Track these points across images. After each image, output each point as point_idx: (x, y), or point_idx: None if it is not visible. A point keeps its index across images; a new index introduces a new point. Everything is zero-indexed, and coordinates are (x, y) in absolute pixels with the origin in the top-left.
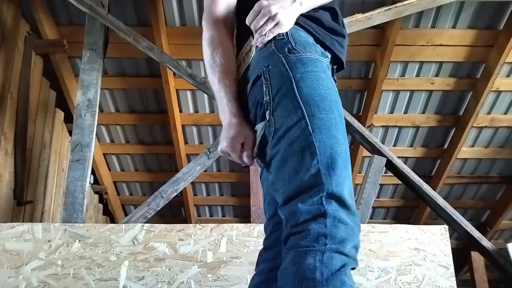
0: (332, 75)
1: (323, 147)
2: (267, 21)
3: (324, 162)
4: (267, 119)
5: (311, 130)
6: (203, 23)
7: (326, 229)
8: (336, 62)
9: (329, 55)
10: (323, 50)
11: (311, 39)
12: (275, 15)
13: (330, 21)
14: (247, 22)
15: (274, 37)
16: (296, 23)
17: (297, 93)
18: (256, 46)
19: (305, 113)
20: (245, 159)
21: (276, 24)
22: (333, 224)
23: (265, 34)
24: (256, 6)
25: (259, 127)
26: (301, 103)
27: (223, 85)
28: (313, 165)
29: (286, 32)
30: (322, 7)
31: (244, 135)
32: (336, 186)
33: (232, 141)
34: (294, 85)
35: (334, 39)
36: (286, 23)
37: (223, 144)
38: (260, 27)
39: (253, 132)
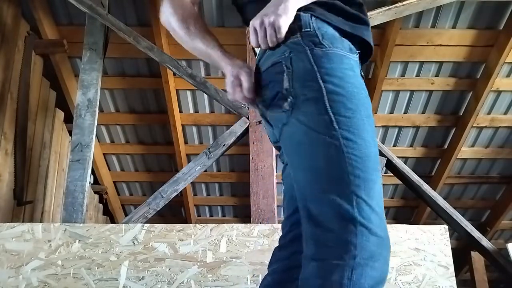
0: (360, 70)
1: (351, 146)
2: (274, 32)
3: (352, 162)
4: (288, 106)
5: (336, 127)
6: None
7: (356, 239)
8: (363, 49)
9: (357, 52)
10: (351, 45)
11: (337, 34)
12: (273, 23)
13: (345, 7)
14: (253, 45)
15: (300, 28)
16: (318, 17)
17: (323, 88)
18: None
19: (329, 110)
20: (246, 93)
21: (278, 30)
22: (364, 234)
23: (277, 40)
24: (250, 28)
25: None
26: (325, 99)
27: (207, 43)
28: (338, 162)
29: (313, 26)
30: None
31: (246, 69)
32: (365, 189)
33: (236, 79)
34: (320, 80)
35: (356, 27)
36: (284, 25)
37: (229, 87)
38: (269, 42)
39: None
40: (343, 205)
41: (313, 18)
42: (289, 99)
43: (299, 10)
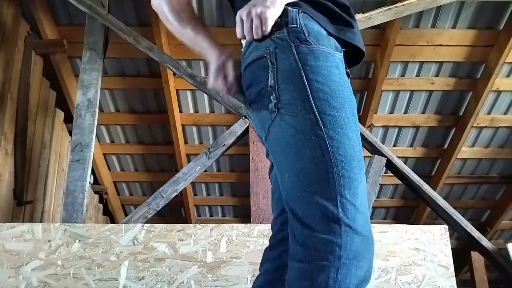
0: (346, 68)
1: (336, 146)
2: (260, 23)
3: (337, 162)
4: (272, 102)
5: (322, 126)
6: None
7: (341, 239)
8: (351, 52)
9: (342, 50)
10: (336, 43)
11: (324, 31)
12: (260, 14)
13: (333, 7)
14: (238, 36)
15: (287, 23)
16: (306, 14)
17: (307, 86)
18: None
19: (315, 109)
20: (230, 84)
21: (264, 22)
22: (348, 234)
23: (263, 32)
24: (236, 18)
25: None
26: (310, 97)
27: (196, 30)
28: (324, 162)
29: (299, 22)
30: None
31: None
32: (350, 189)
33: (224, 64)
34: (304, 77)
35: (342, 29)
36: (271, 17)
37: (212, 75)
38: (254, 33)
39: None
40: (328, 206)
41: (300, 14)
42: (272, 97)
43: (287, 5)
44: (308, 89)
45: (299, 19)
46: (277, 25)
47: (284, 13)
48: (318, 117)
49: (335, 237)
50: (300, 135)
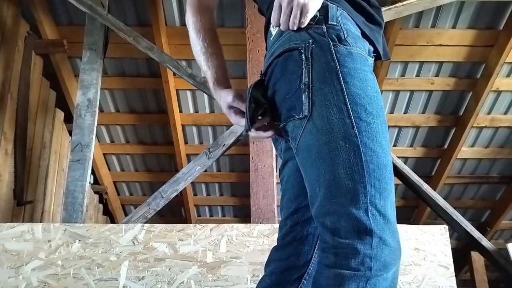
0: None
1: (370, 154)
2: (300, 14)
3: (370, 171)
4: (304, 103)
5: (357, 132)
6: (188, 8)
7: (371, 250)
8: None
9: (373, 55)
10: (370, 47)
11: (359, 33)
12: (302, 5)
13: (367, 7)
14: (273, 23)
15: (326, 19)
16: (345, 12)
17: (344, 88)
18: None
19: (351, 113)
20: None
21: (305, 13)
22: (379, 245)
23: (300, 23)
24: (275, 4)
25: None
26: (347, 101)
27: (206, 66)
28: (357, 171)
29: (339, 20)
30: None
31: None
32: (380, 199)
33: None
34: (341, 79)
35: (374, 30)
36: (312, 9)
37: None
38: (291, 23)
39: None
40: (360, 217)
41: (339, 12)
42: (304, 96)
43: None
44: (345, 92)
45: (338, 17)
46: (315, 19)
47: (324, 8)
48: (354, 122)
49: (367, 248)
50: (333, 141)
